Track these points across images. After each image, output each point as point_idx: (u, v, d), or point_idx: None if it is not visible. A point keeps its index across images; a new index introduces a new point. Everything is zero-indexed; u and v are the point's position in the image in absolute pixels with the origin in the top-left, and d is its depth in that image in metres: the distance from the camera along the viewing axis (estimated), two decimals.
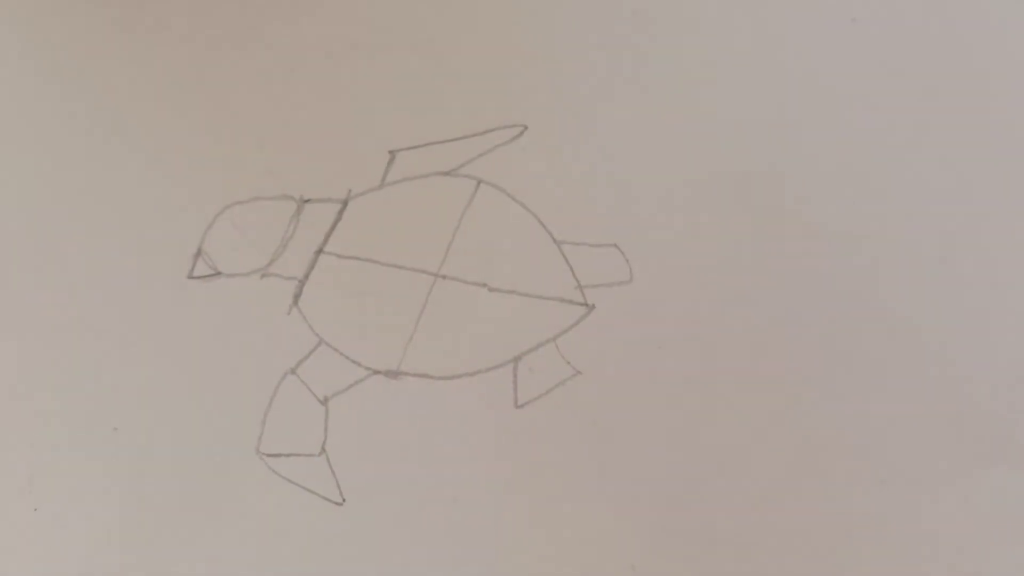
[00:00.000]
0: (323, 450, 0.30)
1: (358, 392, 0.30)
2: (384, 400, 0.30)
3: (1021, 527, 0.31)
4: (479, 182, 0.32)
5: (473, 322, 0.31)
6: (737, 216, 0.32)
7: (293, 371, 0.30)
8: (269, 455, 0.30)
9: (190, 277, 0.30)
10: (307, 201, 0.31)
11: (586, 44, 0.32)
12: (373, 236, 0.31)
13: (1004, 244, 0.32)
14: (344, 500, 0.30)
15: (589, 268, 0.32)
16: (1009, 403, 0.31)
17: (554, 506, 0.29)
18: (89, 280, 0.30)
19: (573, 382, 0.31)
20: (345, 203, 0.31)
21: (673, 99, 0.32)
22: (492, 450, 0.30)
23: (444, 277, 0.31)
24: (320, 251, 0.31)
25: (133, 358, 0.30)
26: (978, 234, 0.32)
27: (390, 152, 0.31)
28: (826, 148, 0.32)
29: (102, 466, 0.29)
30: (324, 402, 0.30)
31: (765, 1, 0.33)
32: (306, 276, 0.31)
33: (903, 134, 0.33)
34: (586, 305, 0.31)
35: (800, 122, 0.32)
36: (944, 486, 0.31)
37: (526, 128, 0.32)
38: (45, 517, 0.29)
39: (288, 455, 0.30)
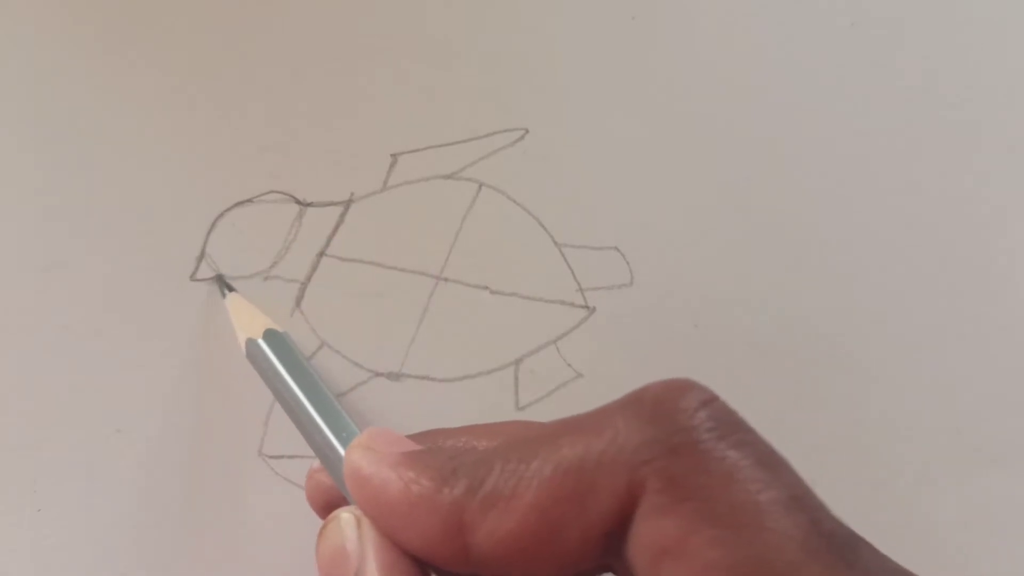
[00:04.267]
0: None
1: (360, 394, 0.31)
2: (386, 402, 0.30)
3: (1021, 529, 0.31)
4: (480, 185, 0.32)
5: (475, 325, 0.31)
6: (737, 219, 0.32)
7: None
8: (271, 457, 0.30)
9: (192, 279, 0.30)
10: (309, 204, 0.31)
11: (587, 48, 0.32)
12: (375, 239, 0.31)
13: (1003, 246, 0.32)
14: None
15: (590, 271, 0.32)
16: (1008, 405, 0.31)
17: None
18: (91, 282, 0.30)
19: (574, 384, 0.31)
20: (347, 206, 0.31)
21: (673, 103, 0.33)
22: None
23: (446, 280, 0.31)
24: (322, 254, 0.31)
25: (135, 360, 0.30)
26: (977, 237, 0.32)
27: (392, 155, 0.32)
28: (825, 151, 0.33)
29: (105, 468, 0.29)
30: None
31: (763, 6, 0.33)
32: (308, 279, 0.31)
33: (902, 138, 0.33)
34: (587, 307, 0.32)
35: (799, 125, 0.33)
36: (942, 488, 0.31)
37: (527, 132, 0.32)
38: (49, 519, 0.29)
39: (290, 457, 0.30)
